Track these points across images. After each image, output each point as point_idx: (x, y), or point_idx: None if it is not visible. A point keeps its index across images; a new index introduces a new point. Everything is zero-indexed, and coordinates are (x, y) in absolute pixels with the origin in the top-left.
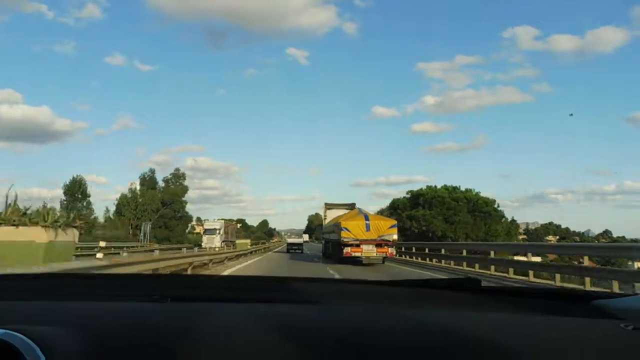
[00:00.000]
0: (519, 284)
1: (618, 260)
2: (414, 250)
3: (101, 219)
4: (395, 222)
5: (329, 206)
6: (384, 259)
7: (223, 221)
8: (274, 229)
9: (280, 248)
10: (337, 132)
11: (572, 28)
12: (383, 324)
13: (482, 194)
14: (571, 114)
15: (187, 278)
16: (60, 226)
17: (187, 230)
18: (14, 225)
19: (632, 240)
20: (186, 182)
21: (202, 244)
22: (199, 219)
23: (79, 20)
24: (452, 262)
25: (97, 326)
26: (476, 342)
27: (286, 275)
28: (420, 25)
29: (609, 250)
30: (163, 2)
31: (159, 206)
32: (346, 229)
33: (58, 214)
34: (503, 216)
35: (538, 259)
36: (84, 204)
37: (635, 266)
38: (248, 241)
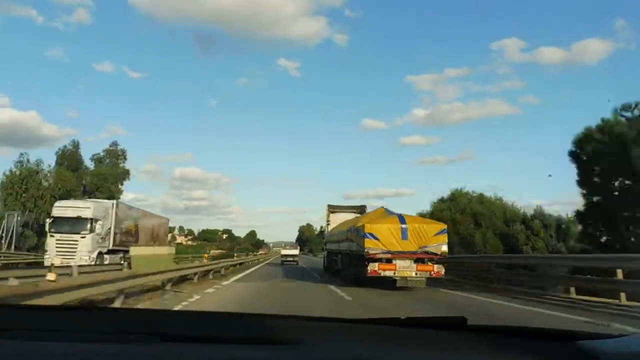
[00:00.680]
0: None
1: None
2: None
3: None
4: (444, 226)
5: (333, 209)
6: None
7: (111, 203)
8: (262, 240)
9: (270, 261)
10: (327, 144)
11: (558, 40)
12: None
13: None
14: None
15: (142, 313)
16: None
17: None
18: None
19: None
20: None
21: (46, 256)
22: (181, 229)
23: (69, 25)
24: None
25: None
26: None
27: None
28: (410, 37)
29: None
30: (153, 8)
31: (77, 194)
32: (372, 235)
33: None
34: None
35: None
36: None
37: None
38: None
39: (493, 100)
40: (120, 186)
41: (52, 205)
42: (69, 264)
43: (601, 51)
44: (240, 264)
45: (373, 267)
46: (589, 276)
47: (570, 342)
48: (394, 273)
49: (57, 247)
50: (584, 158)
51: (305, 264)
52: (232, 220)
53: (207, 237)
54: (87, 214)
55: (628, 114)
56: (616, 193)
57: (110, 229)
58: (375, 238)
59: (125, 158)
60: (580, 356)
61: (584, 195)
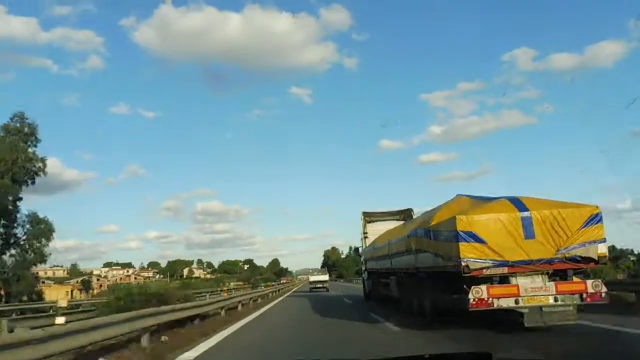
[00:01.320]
0: None
1: None
2: None
3: None
4: (597, 209)
5: (370, 217)
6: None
7: None
8: (286, 268)
9: (296, 289)
10: (346, 168)
11: (570, 45)
12: None
13: None
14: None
15: None
16: None
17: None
18: None
19: None
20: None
21: None
22: (200, 262)
23: (83, 71)
24: None
25: None
26: None
27: None
28: (419, 55)
29: None
30: (163, 49)
31: None
32: (472, 235)
33: None
34: None
35: None
36: None
37: None
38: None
39: (509, 111)
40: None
41: None
42: None
43: (617, 52)
44: (256, 299)
45: (479, 293)
46: None
47: None
48: (518, 301)
49: None
50: None
51: (337, 290)
52: (256, 251)
53: (228, 268)
54: None
55: None
56: None
57: None
58: (479, 240)
59: (36, 139)
60: None
61: None
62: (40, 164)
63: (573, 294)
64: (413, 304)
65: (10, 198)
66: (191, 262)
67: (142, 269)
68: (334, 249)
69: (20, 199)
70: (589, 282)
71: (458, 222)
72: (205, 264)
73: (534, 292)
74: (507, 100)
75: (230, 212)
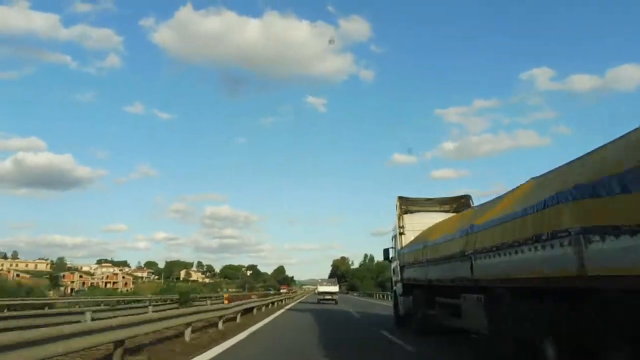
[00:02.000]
0: None
1: None
2: None
3: None
4: None
5: (409, 206)
6: None
7: None
8: (291, 277)
9: (302, 299)
10: (357, 180)
11: (590, 67)
12: None
13: None
14: None
15: None
16: None
17: None
18: None
19: None
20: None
21: None
22: (200, 264)
23: (101, 70)
24: None
25: None
26: None
27: None
28: (437, 70)
29: None
30: (182, 51)
31: None
32: None
33: None
34: None
35: None
36: None
37: None
38: None
39: (524, 131)
40: None
41: None
42: None
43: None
44: (246, 310)
45: None
46: None
47: None
48: None
49: None
50: None
51: (347, 305)
52: (263, 258)
53: (229, 273)
54: None
55: None
56: None
57: None
58: None
59: None
60: None
61: None
62: None
63: None
64: (543, 350)
65: None
66: (191, 264)
67: (139, 268)
68: (343, 258)
69: None
70: None
71: None
72: (206, 267)
73: None
74: (523, 119)
75: (240, 218)
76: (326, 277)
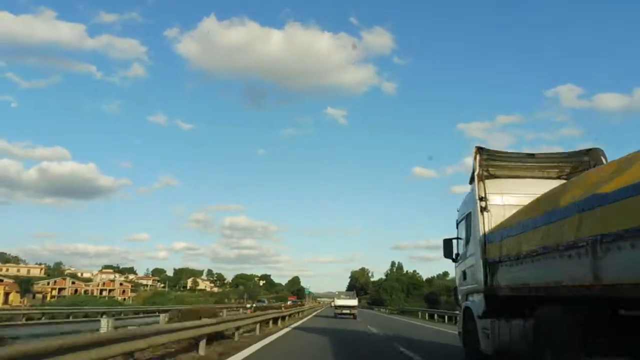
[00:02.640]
0: None
1: None
2: None
3: None
4: None
5: (497, 163)
6: None
7: None
8: (307, 288)
9: (317, 313)
10: (376, 192)
11: (618, 85)
12: None
13: None
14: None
15: None
16: None
17: None
18: None
19: None
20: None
21: None
22: (210, 272)
23: (125, 79)
24: None
25: None
26: None
27: None
28: (460, 84)
29: None
30: (204, 61)
31: None
32: None
33: None
34: None
35: None
36: None
37: None
38: None
39: (548, 148)
40: None
41: None
42: None
43: None
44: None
45: None
46: None
47: None
48: None
49: None
50: None
51: (372, 324)
52: (280, 269)
53: (241, 283)
54: None
55: None
56: None
57: None
58: None
59: None
60: None
61: None
62: None
63: None
64: None
65: None
66: (200, 272)
67: (146, 276)
68: (363, 269)
69: None
70: None
71: None
72: (216, 275)
73: None
74: (548, 136)
75: (258, 229)
76: (343, 289)
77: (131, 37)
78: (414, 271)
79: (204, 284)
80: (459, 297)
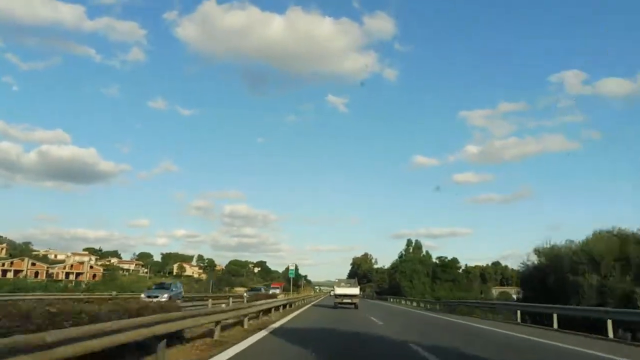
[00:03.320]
0: None
1: None
2: None
3: None
4: None
5: None
6: None
7: None
8: (305, 276)
9: (301, 311)
10: (377, 181)
11: (622, 70)
12: None
13: None
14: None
15: None
16: None
17: None
18: None
19: None
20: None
21: None
22: (200, 258)
23: (125, 63)
24: None
25: None
26: None
27: None
28: (462, 70)
29: None
30: (204, 46)
31: None
32: None
33: None
34: None
35: None
36: None
37: None
38: None
39: (551, 135)
40: None
41: None
42: None
43: None
44: None
45: None
46: None
47: None
48: None
49: None
50: None
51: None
52: (280, 258)
53: (234, 270)
54: None
55: None
56: None
57: None
58: None
59: None
60: None
61: None
62: None
63: None
64: None
65: None
66: (190, 258)
67: (132, 260)
68: (366, 255)
69: None
70: None
71: None
72: (206, 261)
73: None
74: (550, 123)
75: (259, 217)
76: (345, 277)
77: (130, 20)
78: (427, 252)
79: (192, 270)
80: None
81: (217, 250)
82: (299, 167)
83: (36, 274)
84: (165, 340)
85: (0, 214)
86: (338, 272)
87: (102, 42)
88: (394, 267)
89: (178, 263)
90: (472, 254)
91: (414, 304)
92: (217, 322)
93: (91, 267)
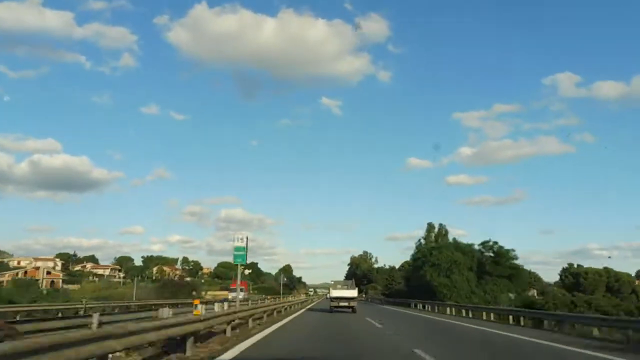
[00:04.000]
0: None
1: None
2: None
3: None
4: None
5: None
6: None
7: None
8: (299, 278)
9: (292, 317)
10: (371, 184)
11: (616, 73)
12: None
13: None
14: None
15: None
16: None
17: None
18: None
19: None
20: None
21: None
22: (185, 260)
23: (116, 69)
24: None
25: None
26: None
27: None
28: (456, 72)
29: None
30: (195, 50)
31: None
32: None
33: None
34: None
35: None
36: None
37: None
38: None
39: (546, 138)
40: None
41: None
42: None
43: None
44: None
45: None
46: None
47: None
48: None
49: None
50: None
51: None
52: (276, 262)
53: (222, 273)
54: None
55: None
56: None
57: None
58: None
59: None
60: None
61: None
62: None
63: None
64: None
65: None
66: (175, 261)
67: (111, 265)
68: (365, 254)
69: None
70: None
71: None
72: (192, 263)
73: None
74: (545, 125)
75: (254, 221)
76: (341, 278)
77: (121, 26)
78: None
79: (174, 273)
80: None
81: (213, 255)
82: (294, 170)
83: None
84: None
85: None
86: (334, 275)
87: (92, 49)
88: (417, 258)
89: (158, 266)
90: None
91: (470, 314)
92: None
93: (48, 272)
